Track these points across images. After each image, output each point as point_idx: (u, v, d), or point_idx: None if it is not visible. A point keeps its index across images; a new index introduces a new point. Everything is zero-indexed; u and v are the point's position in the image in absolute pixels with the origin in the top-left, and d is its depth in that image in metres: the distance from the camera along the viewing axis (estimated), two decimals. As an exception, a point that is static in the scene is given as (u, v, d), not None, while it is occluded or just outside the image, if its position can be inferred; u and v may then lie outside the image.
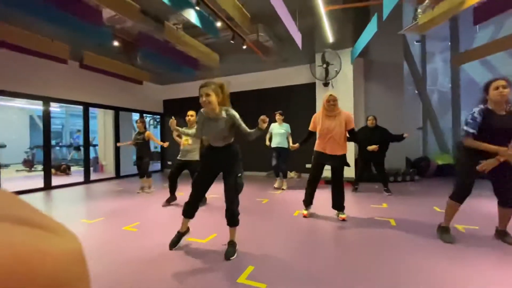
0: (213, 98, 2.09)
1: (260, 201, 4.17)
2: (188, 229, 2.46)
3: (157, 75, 7.65)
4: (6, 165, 11.56)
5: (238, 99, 7.75)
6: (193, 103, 8.44)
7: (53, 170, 8.50)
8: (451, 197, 2.41)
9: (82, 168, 7.13)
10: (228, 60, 6.68)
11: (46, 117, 5.79)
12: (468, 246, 2.27)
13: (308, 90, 6.53)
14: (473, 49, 5.77)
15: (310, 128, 3.32)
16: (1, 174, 5.29)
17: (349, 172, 5.42)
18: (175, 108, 8.93)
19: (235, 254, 2.14)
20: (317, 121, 3.22)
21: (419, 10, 4.40)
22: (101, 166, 9.04)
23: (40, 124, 14.62)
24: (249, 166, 7.53)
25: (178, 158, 3.97)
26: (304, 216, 3.25)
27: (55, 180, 6.33)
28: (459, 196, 2.35)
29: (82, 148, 12.16)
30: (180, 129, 2.58)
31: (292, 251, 2.25)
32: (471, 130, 2.19)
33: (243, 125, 2.16)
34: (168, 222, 3.14)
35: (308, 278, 1.79)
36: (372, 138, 4.46)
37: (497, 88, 2.11)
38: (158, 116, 9.37)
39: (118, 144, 6.09)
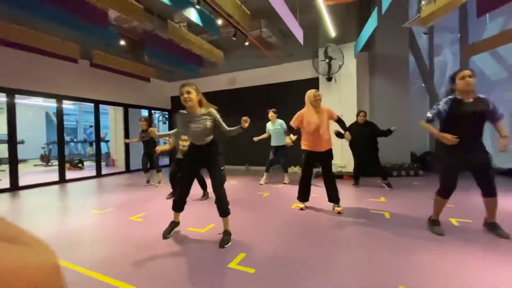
0: (194, 95, 2.25)
1: (261, 195, 4.30)
2: (179, 222, 2.63)
3: (164, 73, 7.84)
4: (24, 160, 12.16)
5: (242, 95, 7.88)
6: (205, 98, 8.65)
7: (67, 165, 8.94)
8: (437, 192, 2.46)
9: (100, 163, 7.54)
10: (233, 56, 6.77)
11: (59, 114, 6.08)
12: (458, 238, 2.31)
13: (312, 85, 6.52)
14: (483, 40, 5.62)
15: (293, 124, 3.29)
16: (21, 169, 5.64)
17: (350, 167, 5.47)
18: (182, 105, 9.12)
19: (230, 243, 2.27)
20: (305, 118, 3.19)
21: (423, 3, 4.35)
22: (113, 160, 9.40)
23: (55, 121, 15.21)
24: (255, 161, 7.67)
25: (176, 156, 4.14)
26: (301, 209, 3.35)
27: (70, 174, 6.67)
28: (444, 191, 2.42)
29: (94, 144, 12.68)
30: (161, 133, 2.69)
31: (284, 240, 2.37)
32: (429, 114, 2.40)
33: (223, 123, 2.32)
34: (171, 213, 3.29)
35: (295, 264, 1.90)
36: (361, 134, 4.49)
37: (463, 77, 2.19)
38: (166, 112, 9.59)
39: (125, 141, 6.36)
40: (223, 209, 2.34)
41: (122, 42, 5.08)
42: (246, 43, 5.36)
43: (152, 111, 8.79)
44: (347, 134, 3.21)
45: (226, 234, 2.33)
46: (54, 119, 14.71)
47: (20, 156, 13.46)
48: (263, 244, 2.29)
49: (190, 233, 2.61)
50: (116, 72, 6.59)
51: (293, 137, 3.52)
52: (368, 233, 2.49)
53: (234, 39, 4.88)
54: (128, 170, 7.65)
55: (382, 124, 4.74)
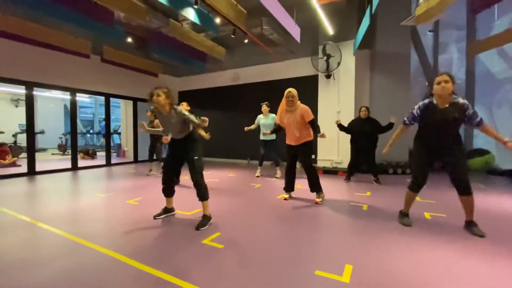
0: (162, 98, 2.46)
1: (253, 186, 4.52)
2: (172, 209, 2.90)
3: (172, 68, 8.16)
4: (44, 149, 12.98)
5: (246, 91, 8.08)
6: (207, 94, 8.96)
7: (81, 154, 9.51)
8: (408, 187, 2.58)
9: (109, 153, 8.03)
10: (237, 53, 6.98)
11: (73, 107, 6.52)
12: (422, 229, 2.44)
13: (312, 82, 6.64)
14: (488, 38, 5.53)
15: (277, 122, 3.64)
16: (39, 157, 6.14)
17: (345, 163, 5.57)
18: (190, 99, 9.44)
19: (206, 226, 2.48)
20: (280, 117, 3.53)
21: (420, 1, 4.37)
22: (123, 151, 9.90)
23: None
24: (256, 155, 7.88)
25: None
26: (285, 199, 3.55)
27: (82, 163, 7.16)
28: (414, 186, 2.53)
29: (110, 136, 13.32)
30: (151, 129, 2.94)
31: (257, 223, 2.58)
32: (405, 118, 2.54)
33: (192, 119, 2.48)
34: (164, 199, 3.58)
35: (259, 242, 2.11)
36: (362, 130, 4.60)
37: (439, 83, 2.24)
38: (174, 107, 9.95)
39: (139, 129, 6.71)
40: (200, 194, 2.56)
41: (129, 39, 5.39)
42: (246, 41, 5.54)
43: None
44: (322, 134, 3.33)
45: (205, 218, 2.55)
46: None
47: (40, 145, 14.33)
48: (238, 226, 2.52)
49: (178, 215, 2.88)
50: (126, 67, 6.98)
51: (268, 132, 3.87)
52: (339, 223, 2.66)
53: (233, 36, 5.07)
54: (136, 160, 8.08)
55: (382, 122, 4.78)
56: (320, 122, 6.34)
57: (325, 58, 5.72)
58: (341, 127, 4.85)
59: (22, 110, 13.85)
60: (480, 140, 6.84)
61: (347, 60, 5.81)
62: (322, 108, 6.23)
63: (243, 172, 6.06)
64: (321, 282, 1.57)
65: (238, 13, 4.15)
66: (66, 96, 13.98)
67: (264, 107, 5.20)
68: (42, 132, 13.53)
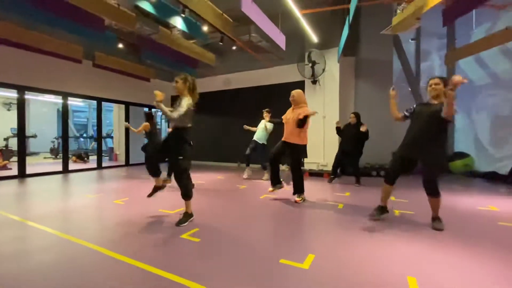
0: (179, 84, 2.77)
1: (239, 187, 4.67)
2: (163, 186, 3.06)
3: (165, 73, 8.33)
4: (36, 153, 12.96)
5: (237, 96, 8.28)
6: (200, 98, 9.10)
7: (74, 158, 9.56)
8: (384, 180, 2.74)
9: (103, 157, 8.10)
10: (228, 59, 7.19)
11: (65, 110, 6.63)
12: (389, 225, 2.61)
13: (299, 88, 6.83)
14: (464, 46, 5.83)
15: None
16: (31, 161, 6.21)
17: (330, 166, 5.74)
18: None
19: (185, 223, 2.59)
20: (286, 114, 3.87)
21: (398, 11, 4.61)
22: (115, 155, 9.98)
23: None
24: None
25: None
26: (270, 191, 3.74)
27: (74, 166, 7.24)
28: (388, 178, 2.70)
29: (102, 139, 13.38)
30: (135, 129, 3.08)
31: (234, 219, 2.73)
32: (405, 112, 2.74)
33: (176, 109, 2.59)
34: (149, 200, 3.70)
35: (234, 238, 2.26)
36: (349, 134, 4.84)
37: (430, 85, 2.53)
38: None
39: (125, 125, 6.70)
40: (184, 192, 2.66)
41: (121, 45, 5.55)
42: (234, 48, 5.75)
43: (153, 109, 9.29)
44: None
45: (185, 215, 2.67)
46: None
47: (32, 149, 14.25)
48: (216, 223, 2.66)
49: (161, 213, 3.01)
50: (118, 72, 7.12)
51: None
52: (309, 216, 2.83)
53: (221, 43, 5.27)
54: (128, 163, 8.16)
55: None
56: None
57: (310, 64, 5.95)
58: (338, 129, 5.13)
59: (14, 113, 13.81)
60: (461, 144, 7.11)
61: (332, 67, 6.05)
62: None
63: (232, 175, 6.21)
64: (283, 269, 1.73)
65: (225, 22, 4.36)
66: (59, 100, 14.10)
67: (266, 114, 5.41)
68: (34, 136, 13.50)
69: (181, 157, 2.61)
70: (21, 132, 5.75)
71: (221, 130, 8.66)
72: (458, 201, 3.67)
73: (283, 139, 3.67)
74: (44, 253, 1.97)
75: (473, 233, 2.41)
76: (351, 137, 4.84)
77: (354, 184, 4.87)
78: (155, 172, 2.95)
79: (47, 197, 3.87)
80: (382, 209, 2.79)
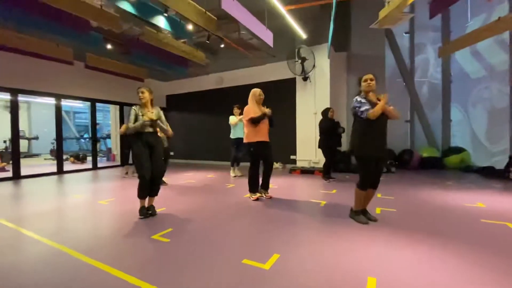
0: (146, 94, 2.83)
1: (227, 186, 4.66)
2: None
3: (158, 73, 8.34)
4: (38, 154, 13.15)
5: (228, 94, 8.26)
6: (193, 97, 9.13)
7: (72, 159, 9.67)
8: (357, 185, 2.66)
9: (101, 157, 8.19)
10: (220, 57, 7.15)
11: (58, 112, 6.69)
12: (367, 224, 2.58)
13: (291, 85, 6.82)
14: (459, 38, 5.69)
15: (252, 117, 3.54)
16: (32, 162, 6.28)
17: (322, 162, 5.69)
18: (177, 102, 9.63)
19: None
20: (254, 113, 3.54)
21: (386, 5, 4.53)
22: (113, 155, 10.06)
23: (67, 118, 16.23)
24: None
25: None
26: (256, 199, 3.60)
27: (70, 167, 7.32)
28: (365, 184, 2.58)
29: (101, 140, 13.52)
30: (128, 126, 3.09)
31: (214, 221, 2.72)
32: (361, 112, 2.46)
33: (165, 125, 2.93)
34: (133, 200, 3.72)
35: (204, 238, 2.25)
36: (331, 129, 4.84)
37: (366, 80, 2.49)
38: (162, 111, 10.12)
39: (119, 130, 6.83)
40: (157, 191, 2.88)
41: (109, 46, 5.56)
42: (222, 45, 5.72)
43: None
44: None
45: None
46: (66, 116, 15.73)
47: (34, 150, 14.40)
48: (191, 223, 2.66)
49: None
50: (110, 73, 7.15)
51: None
52: (286, 215, 2.80)
53: (208, 42, 5.25)
54: (123, 163, 8.22)
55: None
56: (298, 123, 6.51)
57: (300, 61, 5.89)
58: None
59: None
60: (457, 139, 6.99)
61: (322, 63, 5.99)
62: (300, 109, 6.40)
63: (223, 174, 6.20)
64: (244, 269, 1.71)
65: (208, 20, 4.32)
66: (62, 102, 14.25)
67: (236, 110, 5.42)
68: (36, 138, 13.70)
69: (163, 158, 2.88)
70: (15, 134, 5.82)
71: (214, 128, 8.66)
72: (447, 197, 3.60)
73: (263, 139, 3.57)
74: (12, 253, 1.98)
75: (450, 232, 2.35)
76: (328, 131, 4.91)
77: (346, 181, 4.87)
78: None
79: (33, 198, 3.92)
80: (358, 213, 2.68)
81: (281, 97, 7.19)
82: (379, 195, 3.71)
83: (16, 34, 4.94)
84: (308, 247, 2.05)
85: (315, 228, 2.48)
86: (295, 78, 6.53)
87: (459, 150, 6.33)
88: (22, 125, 14.29)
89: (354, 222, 2.60)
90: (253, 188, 3.64)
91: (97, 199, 3.78)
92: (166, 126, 2.95)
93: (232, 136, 5.56)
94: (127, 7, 3.68)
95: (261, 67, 7.71)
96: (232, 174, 5.68)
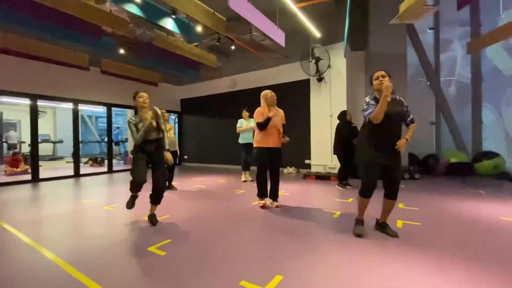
0: (148, 99, 2.85)
1: (236, 192, 4.48)
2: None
3: (172, 77, 8.39)
4: (62, 157, 13.73)
5: (242, 97, 8.11)
6: (206, 101, 9.10)
7: (90, 162, 9.95)
8: (359, 193, 2.40)
9: (119, 160, 8.35)
10: (233, 60, 7.04)
11: (75, 116, 6.86)
12: (383, 240, 2.28)
13: (305, 86, 6.55)
14: (490, 33, 5.19)
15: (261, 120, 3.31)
16: (54, 164, 6.46)
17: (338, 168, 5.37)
18: (191, 106, 9.65)
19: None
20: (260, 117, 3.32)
21: (406, -1, 4.19)
22: (130, 158, 10.24)
23: (89, 123, 16.90)
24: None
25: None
26: (262, 206, 3.43)
27: (88, 170, 7.50)
28: (365, 191, 2.34)
29: (120, 143, 13.90)
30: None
31: (215, 232, 2.53)
32: (373, 109, 2.21)
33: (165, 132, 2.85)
34: (138, 207, 3.63)
35: (201, 253, 2.06)
36: (347, 133, 4.53)
37: (377, 78, 2.25)
38: (176, 114, 10.19)
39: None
40: (159, 199, 2.78)
41: (122, 51, 5.61)
42: (233, 47, 5.59)
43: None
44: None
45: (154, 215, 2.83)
46: (88, 121, 16.40)
47: (58, 153, 15.03)
48: (192, 232, 2.49)
49: (142, 221, 2.90)
50: (125, 78, 7.26)
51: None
52: (296, 228, 2.56)
53: (218, 44, 5.13)
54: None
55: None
56: (312, 126, 6.22)
57: (314, 61, 5.63)
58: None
59: (43, 121, 14.77)
60: (489, 143, 6.37)
61: (338, 63, 5.68)
62: (315, 112, 6.11)
63: (234, 179, 6.03)
64: (240, 293, 1.50)
65: (217, 21, 4.20)
66: (82, 107, 14.87)
67: (245, 112, 5.31)
68: (60, 141, 14.37)
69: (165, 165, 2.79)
70: (34, 138, 6.01)
71: (227, 132, 8.53)
72: (480, 209, 3.18)
73: (269, 145, 3.31)
74: (5, 260, 1.91)
75: (488, 252, 2.00)
76: (345, 136, 4.60)
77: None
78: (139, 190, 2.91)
79: (41, 202, 3.97)
80: (359, 222, 2.45)
81: (294, 99, 6.94)
82: (401, 205, 3.36)
83: (35, 42, 5.10)
84: (316, 268, 1.80)
85: (326, 244, 2.22)
86: (309, 79, 6.25)
87: (492, 155, 5.74)
88: (48, 130, 15.03)
89: (373, 237, 2.31)
90: (260, 193, 3.45)
91: (104, 204, 3.73)
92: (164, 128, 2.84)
93: (240, 140, 5.44)
94: (134, 9, 3.64)
95: (274, 69, 7.51)
96: (243, 178, 5.52)
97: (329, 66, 5.58)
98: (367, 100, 2.28)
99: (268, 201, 3.46)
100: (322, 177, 5.71)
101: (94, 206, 3.62)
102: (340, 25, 5.55)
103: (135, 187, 2.76)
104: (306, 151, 6.60)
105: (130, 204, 2.86)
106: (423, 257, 1.91)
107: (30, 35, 4.90)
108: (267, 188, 3.49)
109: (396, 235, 2.32)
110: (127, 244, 2.27)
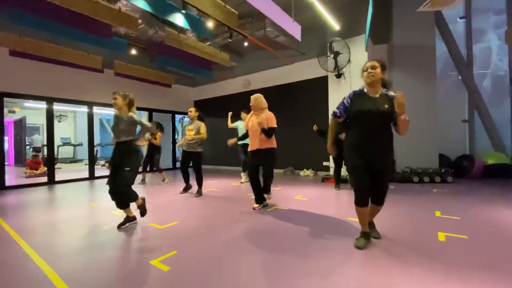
0: (119, 100, 2.83)
1: (249, 196, 4.19)
2: (134, 217, 2.83)
3: (186, 78, 8.29)
4: (81, 160, 14.10)
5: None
6: (220, 102, 8.92)
7: (107, 164, 10.06)
8: (354, 202, 2.08)
9: None
10: (247, 59, 6.81)
11: (90, 119, 6.88)
12: (421, 257, 1.90)
13: (322, 83, 6.19)
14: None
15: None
16: (74, 167, 6.52)
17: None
18: (205, 107, 9.51)
19: (126, 225, 2.69)
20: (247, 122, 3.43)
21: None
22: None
23: (107, 126, 17.32)
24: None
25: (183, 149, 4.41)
26: (253, 208, 3.34)
27: (103, 172, 7.52)
28: (357, 199, 2.05)
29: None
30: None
31: (227, 243, 2.26)
32: (335, 110, 2.19)
33: (144, 123, 2.76)
34: (148, 209, 3.44)
35: (210, 270, 1.79)
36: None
37: (366, 70, 2.03)
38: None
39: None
40: (121, 203, 2.71)
41: (134, 52, 5.53)
42: (246, 44, 5.35)
43: (176, 115, 9.36)
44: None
45: (126, 218, 2.74)
46: (106, 124, 16.80)
47: (78, 156, 15.44)
48: (202, 243, 2.23)
49: (149, 228, 2.69)
50: (139, 80, 7.21)
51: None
52: (312, 240, 2.23)
53: (230, 40, 4.91)
54: (151, 169, 8.24)
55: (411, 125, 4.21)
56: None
57: (332, 56, 5.26)
58: (319, 132, 4.76)
59: (64, 124, 15.26)
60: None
61: (359, 57, 5.28)
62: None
63: (248, 182, 5.75)
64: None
65: (228, 15, 3.96)
66: (101, 110, 15.24)
67: (243, 114, 5.36)
68: (80, 144, 14.78)
69: (127, 168, 2.57)
70: (49, 141, 6.06)
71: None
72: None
73: (255, 147, 3.25)
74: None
75: None
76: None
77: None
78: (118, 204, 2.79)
79: (50, 206, 3.88)
80: (363, 235, 2.12)
81: (311, 97, 6.59)
82: (438, 214, 2.94)
83: (49, 44, 5.11)
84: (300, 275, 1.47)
85: (350, 261, 1.88)
86: (326, 76, 5.89)
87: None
88: (69, 133, 15.52)
89: (410, 255, 1.94)
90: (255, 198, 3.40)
91: (112, 208, 3.55)
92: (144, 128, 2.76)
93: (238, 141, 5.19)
94: (143, 5, 3.48)
95: (289, 67, 7.19)
96: (242, 180, 5.49)
97: (349, 60, 5.19)
98: (345, 97, 2.11)
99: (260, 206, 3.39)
100: (342, 181, 5.30)
101: (102, 211, 3.47)
102: (360, 16, 5.16)
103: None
104: (324, 153, 6.21)
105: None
106: (484, 283, 1.53)
107: (42, 37, 4.89)
108: (258, 192, 3.37)
109: (379, 237, 2.22)
110: (129, 255, 2.05)
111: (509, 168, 5.32)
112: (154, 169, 5.93)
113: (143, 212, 2.84)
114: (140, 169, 5.06)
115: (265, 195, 3.43)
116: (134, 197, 2.71)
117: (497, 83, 6.01)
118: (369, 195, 2.06)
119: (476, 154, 5.86)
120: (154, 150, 5.71)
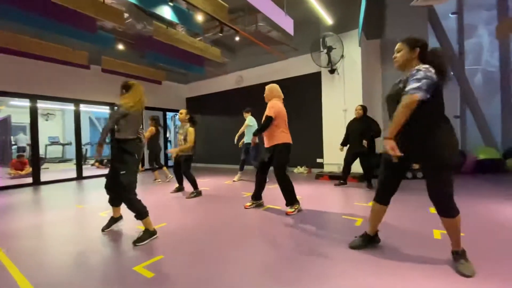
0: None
1: (243, 195, 4.11)
2: (120, 217, 2.68)
3: (177, 75, 8.10)
4: (70, 160, 13.74)
5: (250, 93, 7.74)
6: (213, 99, 8.76)
7: (96, 163, 9.82)
8: (374, 198, 1.96)
9: None
10: (240, 55, 6.68)
11: (77, 118, 6.65)
12: (417, 256, 1.85)
13: (315, 79, 6.12)
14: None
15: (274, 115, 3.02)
16: (63, 166, 6.30)
17: (354, 168, 4.93)
18: (198, 105, 9.34)
19: (145, 241, 2.22)
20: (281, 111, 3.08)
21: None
22: (136, 160, 10.04)
23: (97, 124, 16.93)
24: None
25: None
26: (245, 207, 3.27)
27: (91, 172, 7.30)
28: (378, 194, 1.93)
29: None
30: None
31: (217, 246, 2.16)
32: (423, 88, 1.63)
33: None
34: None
35: (198, 279, 1.70)
36: (354, 130, 4.10)
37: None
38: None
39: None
40: (134, 212, 2.30)
41: (121, 47, 5.33)
42: (237, 38, 5.22)
43: (168, 113, 9.17)
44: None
45: (145, 232, 2.26)
46: (96, 122, 16.41)
47: (67, 156, 15.08)
48: (189, 246, 2.13)
49: (136, 230, 2.56)
50: (128, 76, 6.99)
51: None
52: (310, 242, 2.15)
53: (221, 34, 4.77)
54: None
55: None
56: (324, 122, 5.77)
57: (325, 51, 5.18)
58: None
59: (51, 123, 14.83)
60: (522, 136, 5.77)
61: (352, 52, 5.21)
62: (327, 106, 5.67)
63: (242, 180, 5.66)
64: None
65: (218, 7, 3.83)
66: (90, 108, 14.86)
67: (245, 114, 5.27)
68: (69, 144, 14.40)
69: (123, 172, 2.24)
70: (34, 141, 5.82)
71: (235, 130, 8.17)
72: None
73: (265, 146, 3.17)
74: (-38, 289, 1.59)
75: None
76: (357, 133, 4.11)
77: (365, 188, 4.12)
78: (113, 202, 2.61)
79: (34, 208, 3.72)
80: (366, 239, 1.99)
81: (304, 93, 6.51)
82: (432, 210, 2.90)
83: (32, 40, 4.87)
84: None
85: (353, 263, 1.81)
86: (320, 71, 5.81)
87: (527, 150, 5.16)
88: (57, 132, 15.10)
89: (407, 254, 1.88)
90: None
91: (99, 210, 3.42)
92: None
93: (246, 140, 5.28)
94: (127, -4, 3.31)
95: (282, 62, 7.10)
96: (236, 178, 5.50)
97: (342, 56, 5.12)
98: (423, 68, 1.57)
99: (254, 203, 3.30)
100: (336, 178, 5.25)
101: (88, 213, 3.32)
102: (353, 10, 5.09)
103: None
104: (318, 149, 6.16)
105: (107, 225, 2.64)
106: (485, 284, 1.47)
107: (24, 31, 4.66)
108: (259, 189, 3.29)
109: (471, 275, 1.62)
110: (112, 260, 1.93)
111: (500, 163, 5.36)
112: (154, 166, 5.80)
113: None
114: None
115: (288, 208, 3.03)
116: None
117: (488, 79, 6.05)
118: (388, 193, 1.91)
119: (468, 149, 5.89)
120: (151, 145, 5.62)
